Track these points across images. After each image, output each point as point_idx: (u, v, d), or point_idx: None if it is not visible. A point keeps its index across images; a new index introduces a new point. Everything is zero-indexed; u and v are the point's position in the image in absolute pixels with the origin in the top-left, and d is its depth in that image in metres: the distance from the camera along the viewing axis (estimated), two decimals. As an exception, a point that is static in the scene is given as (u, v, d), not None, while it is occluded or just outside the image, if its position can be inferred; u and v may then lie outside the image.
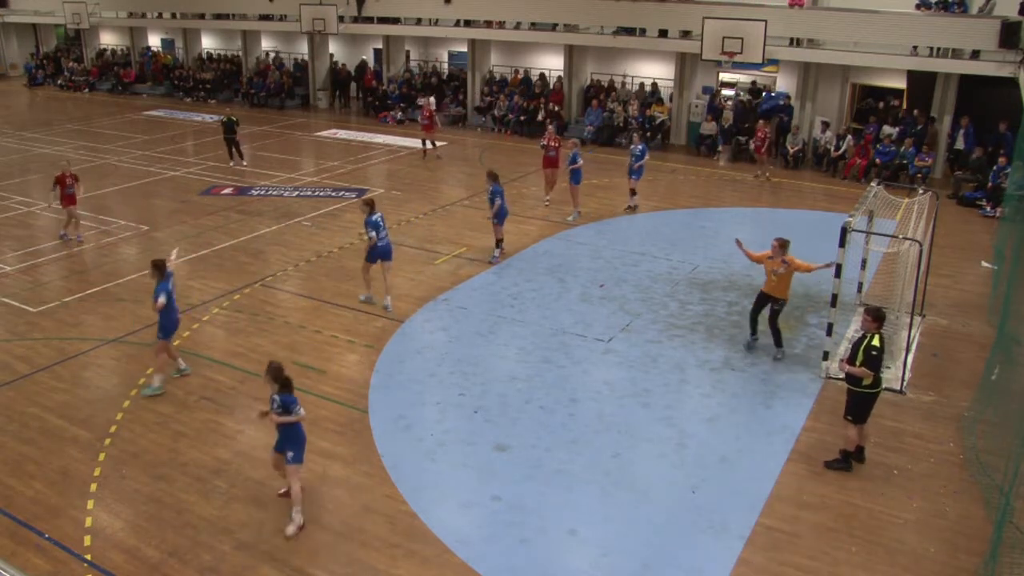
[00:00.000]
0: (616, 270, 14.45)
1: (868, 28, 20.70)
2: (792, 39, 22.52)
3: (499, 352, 11.47)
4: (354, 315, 12.61)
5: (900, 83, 22.36)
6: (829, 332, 10.68)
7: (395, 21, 29.62)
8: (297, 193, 19.62)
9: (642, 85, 26.22)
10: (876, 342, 8.44)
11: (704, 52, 21.96)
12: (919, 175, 20.19)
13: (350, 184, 20.40)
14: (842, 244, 10.22)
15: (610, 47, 25.89)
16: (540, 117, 25.75)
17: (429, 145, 23.32)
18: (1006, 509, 7.14)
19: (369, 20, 29.59)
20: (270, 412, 7.81)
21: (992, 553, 7.10)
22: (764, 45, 20.98)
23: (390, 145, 25.31)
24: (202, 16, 34.19)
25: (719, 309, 12.86)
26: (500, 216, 14.58)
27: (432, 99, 24.81)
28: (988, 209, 18.30)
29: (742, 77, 24.94)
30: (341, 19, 29.16)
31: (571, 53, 26.58)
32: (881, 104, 22.67)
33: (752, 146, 21.73)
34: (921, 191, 12.47)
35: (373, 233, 12.30)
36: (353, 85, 32.21)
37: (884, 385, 9.16)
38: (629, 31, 24.91)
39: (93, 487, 8.51)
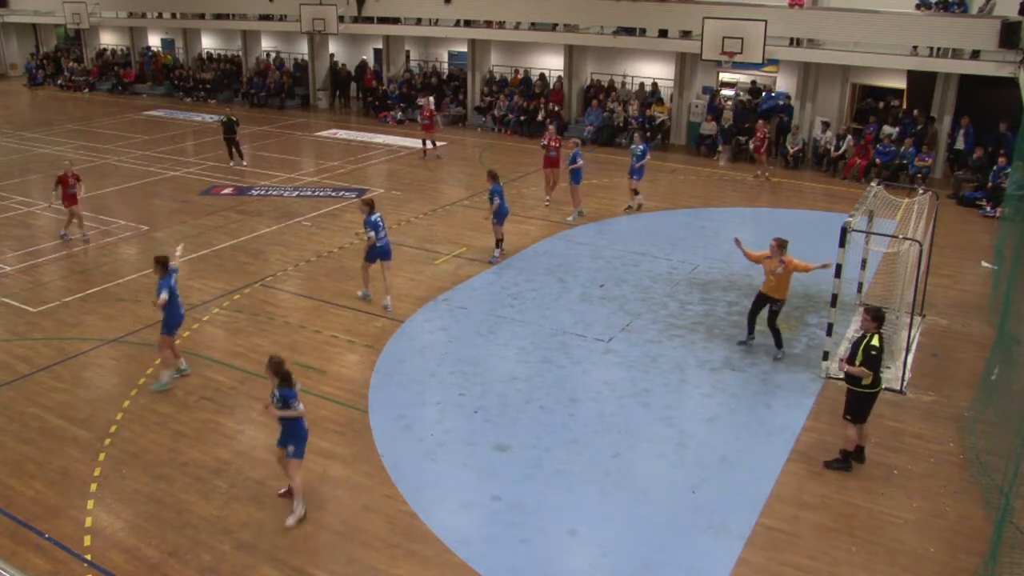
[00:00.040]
0: (616, 270, 14.45)
1: (868, 28, 20.70)
2: (792, 39, 22.52)
3: (499, 352, 11.47)
4: (354, 315, 12.62)
5: (900, 83, 22.36)
6: (829, 332, 10.68)
7: (395, 21, 29.62)
8: (297, 193, 19.62)
9: (642, 85, 26.22)
10: (875, 342, 8.44)
11: (704, 52, 21.96)
12: (919, 175, 20.19)
13: (350, 184, 20.40)
14: (842, 244, 10.22)
15: (610, 47, 25.89)
16: (540, 117, 25.75)
17: (429, 145, 23.33)
18: (1006, 509, 7.14)
19: (369, 20, 29.59)
20: (270, 405, 7.84)
21: (992, 553, 7.10)
22: (764, 45, 20.98)
23: (390, 145, 25.31)
24: (202, 16, 34.19)
25: (719, 309, 12.86)
26: (500, 216, 14.58)
27: (431, 99, 24.80)
28: (988, 209, 18.30)
29: (742, 77, 24.94)
30: (341, 19, 29.16)
31: (571, 53, 26.58)
32: (881, 104, 22.66)
33: (752, 146, 21.74)
34: (921, 191, 12.46)
35: (372, 233, 12.30)
36: (353, 85, 32.21)
37: (884, 385, 9.16)
38: (629, 31, 24.91)
39: (93, 487, 8.52)
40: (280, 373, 7.77)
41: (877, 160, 20.86)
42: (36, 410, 9.97)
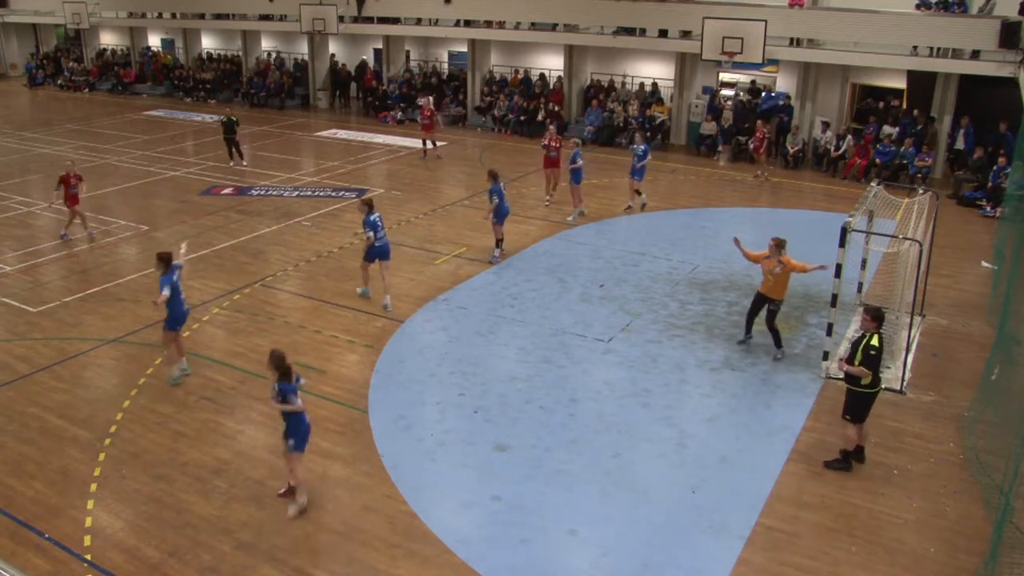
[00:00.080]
0: (616, 270, 14.45)
1: (868, 28, 20.70)
2: (792, 39, 22.52)
3: (499, 352, 11.47)
4: (354, 315, 12.62)
5: (900, 83, 22.36)
6: (829, 332, 10.68)
7: (395, 21, 29.62)
8: (297, 193, 19.62)
9: (642, 85, 26.22)
10: (875, 342, 8.44)
11: (704, 52, 21.96)
12: (919, 175, 20.19)
13: (350, 184, 20.40)
14: (842, 244, 10.22)
15: (610, 47, 25.89)
16: (540, 117, 25.76)
17: (429, 145, 23.33)
18: (1006, 509, 7.14)
19: (369, 20, 29.59)
20: (271, 399, 7.89)
21: (992, 553, 7.10)
22: (764, 45, 20.98)
23: (390, 145, 25.31)
24: (202, 16, 34.19)
25: (719, 309, 12.87)
26: (500, 216, 14.58)
27: (429, 99, 24.78)
28: (988, 209, 18.30)
29: (742, 77, 24.94)
30: (341, 19, 29.16)
31: (571, 53, 26.58)
32: (881, 104, 22.66)
33: (751, 146, 21.74)
34: (921, 191, 12.46)
35: (371, 233, 12.33)
36: (353, 85, 32.21)
37: (884, 385, 9.16)
38: (629, 31, 24.91)
39: (93, 487, 8.52)
40: (279, 367, 7.82)
41: (877, 160, 20.87)
42: (36, 410, 9.97)
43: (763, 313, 11.17)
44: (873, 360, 8.41)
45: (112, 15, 36.91)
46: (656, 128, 24.71)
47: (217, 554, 7.57)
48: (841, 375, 9.10)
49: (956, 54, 20.33)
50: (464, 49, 29.02)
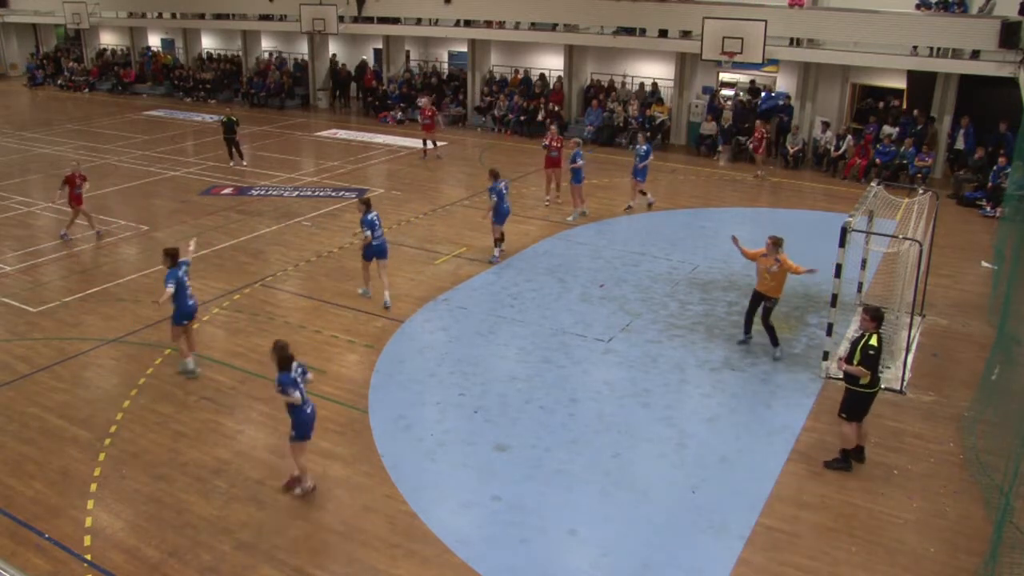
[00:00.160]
0: (616, 270, 14.45)
1: (868, 28, 20.70)
2: (792, 39, 22.51)
3: (499, 352, 11.47)
4: (354, 315, 12.62)
5: (900, 83, 22.36)
6: (829, 332, 10.68)
7: (395, 21, 29.61)
8: (297, 193, 19.62)
9: (642, 85, 26.21)
10: (874, 341, 8.45)
11: (704, 52, 21.96)
12: (919, 175, 20.19)
13: (350, 184, 20.40)
14: (842, 244, 10.22)
15: (610, 47, 25.89)
16: (540, 117, 25.76)
17: (430, 145, 23.33)
18: (1006, 509, 7.14)
19: (369, 20, 29.59)
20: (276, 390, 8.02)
21: (992, 553, 7.10)
22: (764, 45, 20.98)
23: (390, 145, 25.31)
24: (202, 16, 34.19)
25: (719, 309, 12.87)
26: (500, 215, 14.58)
27: (428, 99, 24.75)
28: (988, 209, 18.30)
29: (742, 77, 24.94)
30: (341, 19, 29.16)
31: (571, 53, 26.58)
32: (881, 104, 22.66)
33: (751, 146, 21.74)
34: (921, 191, 12.46)
35: (368, 232, 12.39)
36: (353, 85, 32.21)
37: (883, 385, 9.16)
38: (629, 31, 24.91)
39: (93, 487, 8.52)
40: (278, 358, 7.93)
41: (877, 160, 20.86)
42: (36, 410, 9.97)
43: (760, 311, 11.18)
44: (872, 360, 8.42)
45: (112, 15, 36.91)
46: (656, 128, 24.70)
47: (217, 554, 7.57)
48: (841, 375, 9.10)
49: (956, 54, 20.33)
50: (464, 49, 29.02)
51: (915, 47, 20.79)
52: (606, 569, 7.40)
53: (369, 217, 12.43)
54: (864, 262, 12.48)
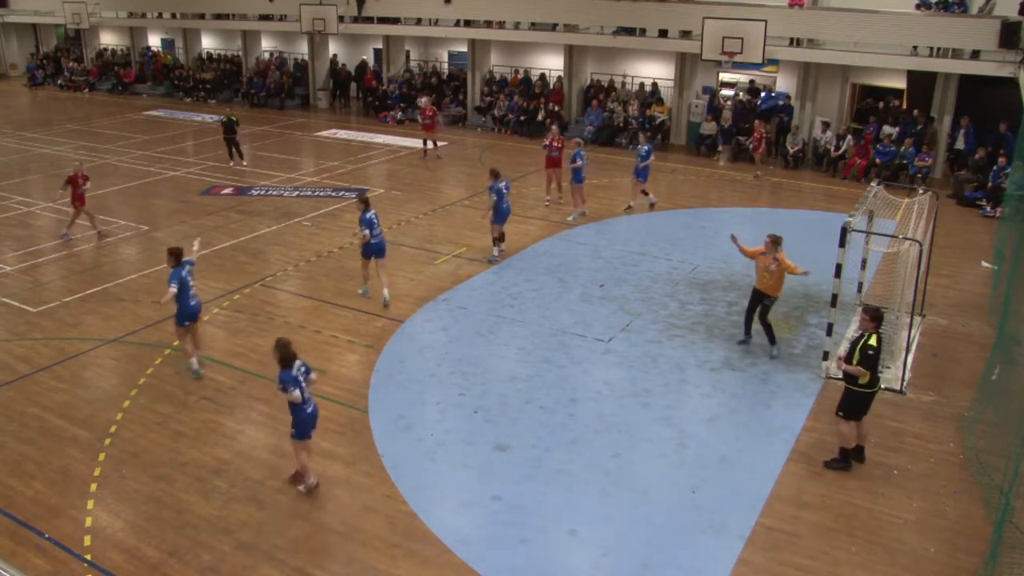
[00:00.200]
0: (616, 270, 14.45)
1: (868, 28, 20.70)
2: (792, 39, 22.51)
3: (499, 352, 11.47)
4: (354, 315, 12.62)
5: (900, 83, 22.36)
6: (829, 332, 10.68)
7: (395, 21, 29.62)
8: (297, 193, 19.62)
9: (642, 85, 26.22)
10: (873, 341, 8.45)
11: (704, 52, 21.96)
12: (919, 175, 20.19)
13: (350, 184, 20.40)
14: (842, 244, 10.22)
15: (610, 47, 25.89)
16: (540, 117, 25.76)
17: (430, 145, 23.33)
18: (1006, 509, 7.14)
19: (369, 20, 29.59)
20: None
21: (992, 553, 7.10)
22: (764, 45, 20.98)
23: (390, 145, 25.31)
24: (202, 16, 34.19)
25: (719, 309, 12.87)
26: (499, 215, 14.58)
27: (428, 99, 24.74)
28: (988, 209, 18.30)
29: (742, 77, 24.94)
30: (341, 19, 29.16)
31: (571, 53, 26.58)
32: (881, 104, 22.65)
33: (750, 146, 21.75)
34: (921, 191, 12.46)
35: (367, 231, 12.40)
36: (353, 85, 32.21)
37: (883, 385, 9.16)
38: (629, 31, 24.91)
39: (93, 487, 8.52)
40: (279, 355, 7.97)
41: (877, 160, 20.86)
42: (36, 410, 9.97)
43: (758, 309, 11.19)
44: (871, 360, 8.42)
45: (112, 15, 36.91)
46: (656, 128, 24.69)
47: (217, 554, 7.57)
48: (840, 374, 9.10)
49: (956, 54, 20.33)
50: (464, 49, 29.02)
51: (915, 47, 20.80)
52: (606, 569, 7.40)
53: (368, 216, 12.44)
54: (864, 262, 12.48)
